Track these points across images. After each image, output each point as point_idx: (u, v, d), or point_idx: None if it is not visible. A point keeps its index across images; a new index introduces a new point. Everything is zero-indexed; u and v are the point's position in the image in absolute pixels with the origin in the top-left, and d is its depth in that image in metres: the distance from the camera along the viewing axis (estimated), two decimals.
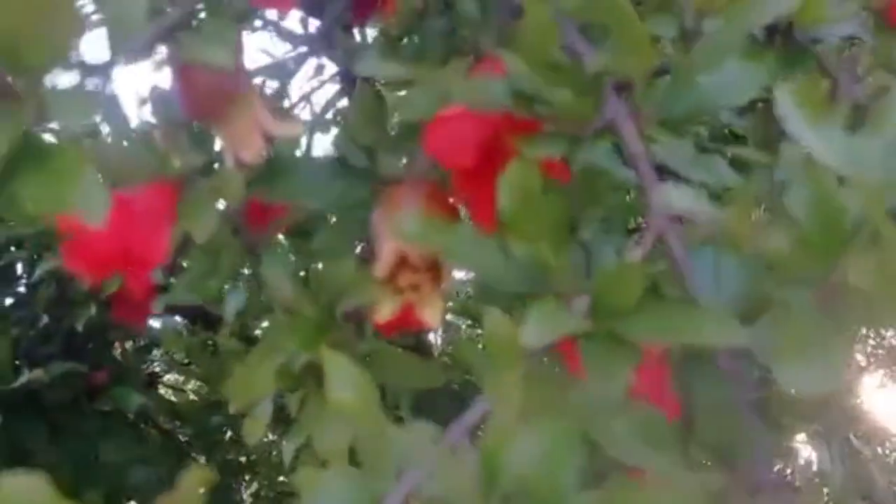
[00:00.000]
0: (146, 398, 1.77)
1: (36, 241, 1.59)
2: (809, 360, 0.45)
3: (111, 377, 1.73)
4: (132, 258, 0.70)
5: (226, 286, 1.02)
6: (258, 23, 1.36)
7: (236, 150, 0.77)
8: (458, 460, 0.52)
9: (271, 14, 1.36)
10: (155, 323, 1.90)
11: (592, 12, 0.77)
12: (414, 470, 0.55)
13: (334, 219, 0.87)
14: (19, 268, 1.72)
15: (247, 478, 2.12)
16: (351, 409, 0.58)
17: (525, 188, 0.60)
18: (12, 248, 1.65)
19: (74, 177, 0.45)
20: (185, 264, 0.99)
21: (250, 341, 1.57)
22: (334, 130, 1.72)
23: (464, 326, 2.70)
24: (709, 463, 0.64)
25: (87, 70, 0.50)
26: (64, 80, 0.47)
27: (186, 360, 2.06)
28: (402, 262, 0.69)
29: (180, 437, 2.00)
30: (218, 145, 0.80)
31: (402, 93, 0.81)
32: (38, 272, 1.45)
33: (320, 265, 0.86)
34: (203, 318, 1.93)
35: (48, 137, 0.46)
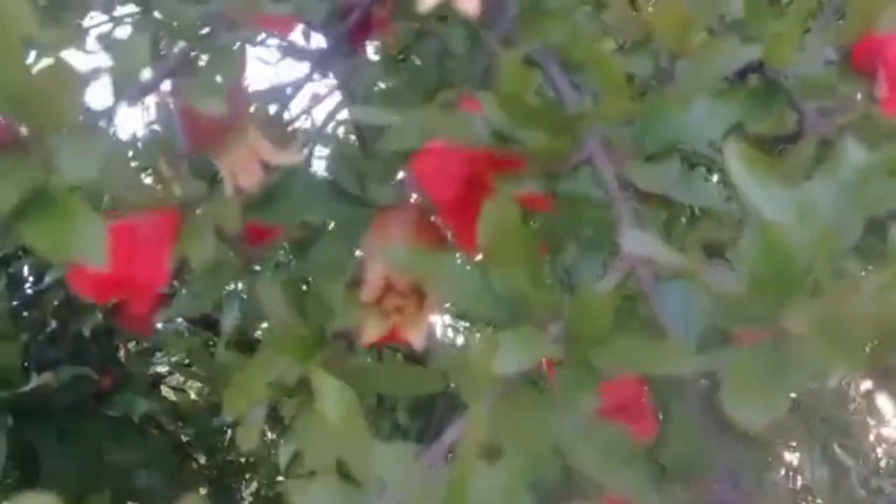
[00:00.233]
0: (150, 401, 1.82)
1: None
2: (753, 394, 0.49)
3: (116, 381, 1.77)
4: (135, 282, 0.74)
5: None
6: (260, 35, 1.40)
7: (235, 179, 0.81)
8: (432, 479, 0.57)
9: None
10: (157, 325, 1.94)
11: (574, 50, 0.82)
12: (395, 488, 0.59)
13: (329, 238, 0.91)
14: (27, 274, 1.77)
15: (246, 477, 2.17)
16: (337, 426, 0.62)
17: (503, 223, 0.64)
18: (20, 255, 1.69)
19: (76, 224, 0.49)
20: (186, 276, 1.03)
21: (251, 345, 1.61)
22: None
23: (461, 329, 2.74)
24: (675, 479, 0.68)
25: (92, 116, 0.54)
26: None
27: (187, 362, 2.10)
28: (388, 286, 0.74)
29: (182, 437, 2.04)
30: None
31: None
32: (47, 279, 1.50)
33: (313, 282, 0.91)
34: (203, 320, 1.97)
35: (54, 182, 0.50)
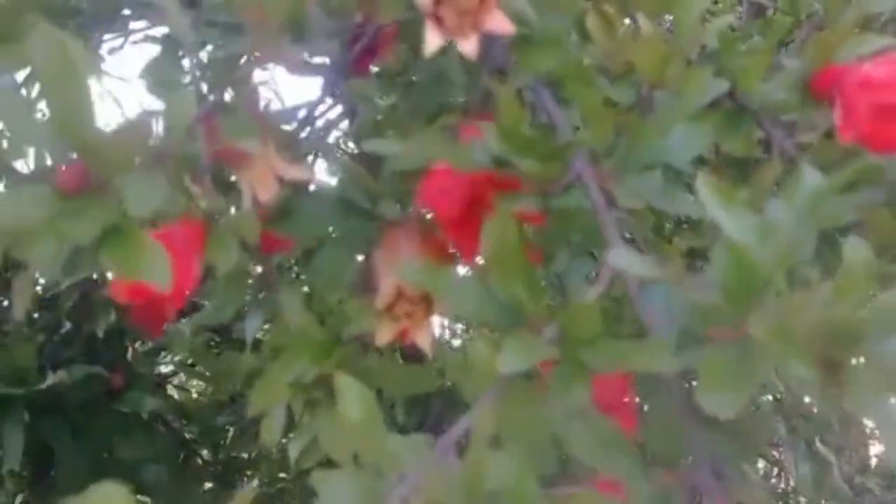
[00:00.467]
0: (156, 399, 1.89)
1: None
2: (721, 388, 0.58)
3: (126, 379, 1.85)
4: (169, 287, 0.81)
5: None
6: None
7: (254, 192, 0.88)
8: (445, 467, 0.65)
9: None
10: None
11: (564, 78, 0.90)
12: (411, 474, 0.67)
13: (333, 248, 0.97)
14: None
15: (248, 473, 2.23)
16: (357, 422, 0.70)
17: (503, 239, 0.72)
18: None
19: (145, 253, 0.57)
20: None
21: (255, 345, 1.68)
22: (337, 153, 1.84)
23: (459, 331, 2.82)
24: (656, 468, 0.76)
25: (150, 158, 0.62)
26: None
27: (191, 362, 2.17)
28: (399, 295, 0.82)
29: (186, 434, 2.11)
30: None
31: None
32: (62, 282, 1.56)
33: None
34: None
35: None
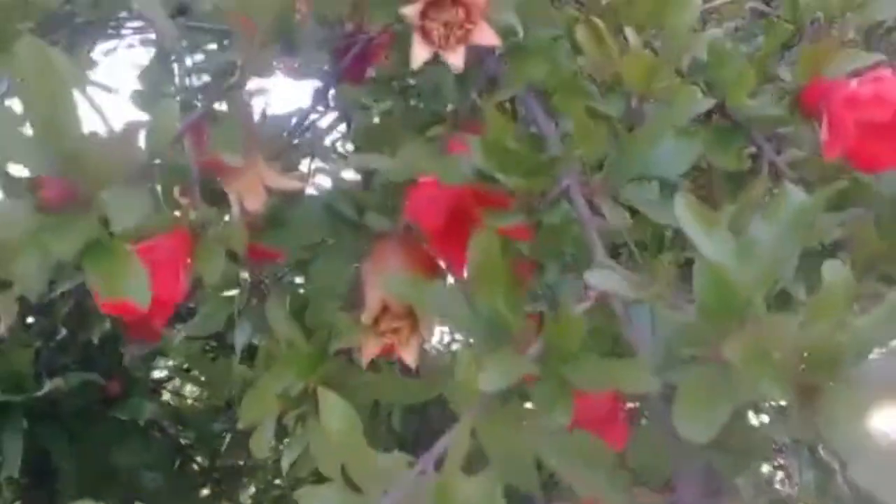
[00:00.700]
0: (153, 405, 1.89)
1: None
2: (695, 413, 0.57)
3: (123, 386, 1.85)
4: (156, 300, 0.81)
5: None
6: None
7: (242, 202, 0.88)
8: (424, 485, 0.65)
9: None
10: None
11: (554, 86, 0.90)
12: (394, 492, 0.67)
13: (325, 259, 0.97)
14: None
15: (244, 480, 2.23)
16: (339, 438, 0.70)
17: (487, 256, 0.72)
18: None
19: (125, 270, 0.57)
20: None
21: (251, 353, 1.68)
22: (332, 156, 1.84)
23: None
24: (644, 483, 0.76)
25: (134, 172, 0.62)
26: None
27: (187, 367, 2.16)
28: (385, 310, 0.82)
29: (182, 440, 2.11)
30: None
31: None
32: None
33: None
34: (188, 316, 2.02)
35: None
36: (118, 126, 0.62)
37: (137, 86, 1.15)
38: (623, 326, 0.74)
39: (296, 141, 1.34)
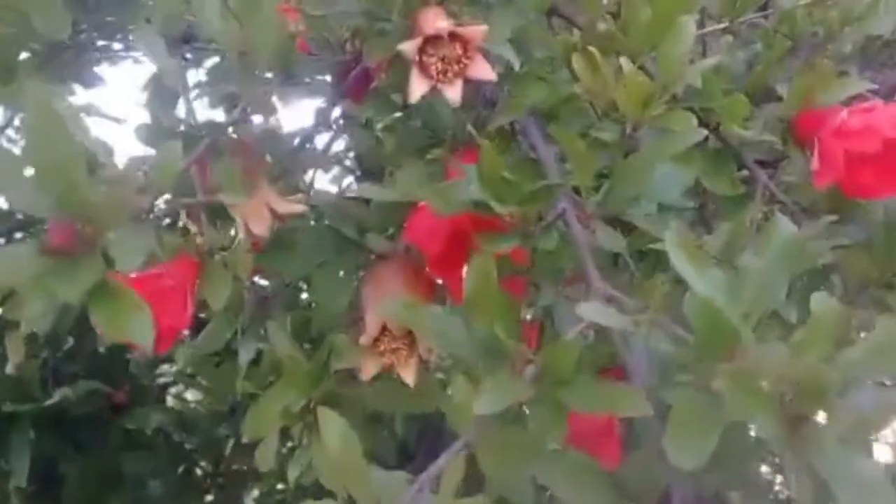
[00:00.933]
0: (160, 413, 1.91)
1: None
2: (686, 440, 0.59)
3: (130, 394, 1.87)
4: (162, 327, 0.83)
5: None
6: None
7: (248, 226, 0.90)
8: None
9: None
10: None
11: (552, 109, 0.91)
12: None
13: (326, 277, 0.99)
14: None
15: (248, 485, 2.25)
16: (338, 458, 0.72)
17: (484, 280, 0.73)
18: None
19: (129, 312, 0.59)
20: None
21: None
22: (335, 169, 1.86)
23: None
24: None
25: (139, 213, 0.64)
26: None
27: (191, 372, 2.17)
28: (384, 331, 0.84)
29: (186, 446, 2.13)
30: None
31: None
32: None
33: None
34: (198, 328, 2.03)
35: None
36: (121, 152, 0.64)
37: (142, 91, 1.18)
38: (620, 349, 0.76)
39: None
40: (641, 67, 0.86)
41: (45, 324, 0.66)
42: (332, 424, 0.73)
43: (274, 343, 0.92)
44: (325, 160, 1.59)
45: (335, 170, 1.82)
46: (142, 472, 1.86)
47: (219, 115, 1.02)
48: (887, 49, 1.38)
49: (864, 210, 0.83)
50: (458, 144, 0.94)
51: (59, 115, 0.56)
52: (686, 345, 0.63)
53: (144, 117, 0.95)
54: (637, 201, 0.85)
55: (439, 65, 0.78)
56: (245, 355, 1.04)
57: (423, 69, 0.78)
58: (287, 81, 0.86)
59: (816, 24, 1.11)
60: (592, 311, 0.66)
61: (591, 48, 0.84)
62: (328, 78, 1.01)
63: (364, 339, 0.83)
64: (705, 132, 0.78)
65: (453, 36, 0.78)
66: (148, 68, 1.45)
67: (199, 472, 2.20)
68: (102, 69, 1.43)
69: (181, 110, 0.93)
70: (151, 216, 0.68)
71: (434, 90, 0.79)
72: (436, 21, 0.79)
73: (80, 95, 1.40)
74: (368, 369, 0.84)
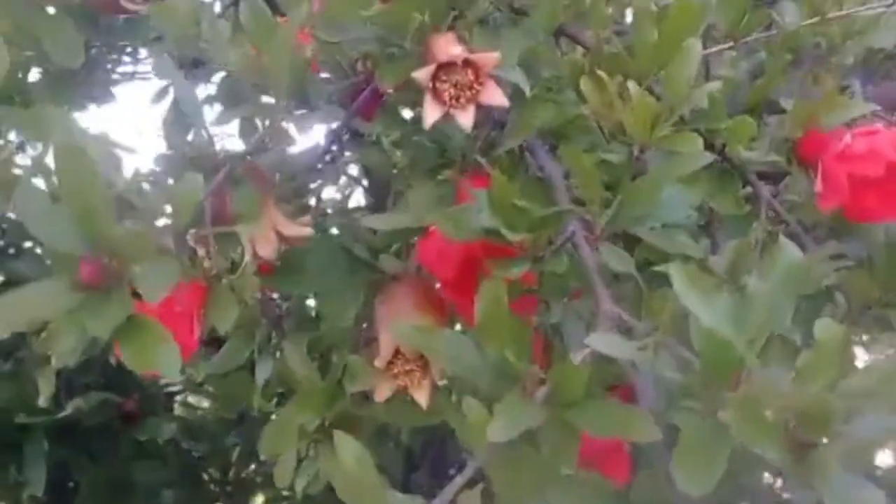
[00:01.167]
0: (170, 422, 1.93)
1: None
2: (693, 467, 0.60)
3: (140, 404, 1.89)
4: None
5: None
6: None
7: (255, 249, 0.91)
8: None
9: None
10: None
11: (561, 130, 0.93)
12: None
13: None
14: None
15: (256, 492, 2.26)
16: (355, 480, 0.74)
17: (495, 304, 0.75)
18: None
19: (157, 346, 0.61)
20: None
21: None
22: (341, 180, 1.87)
23: None
24: None
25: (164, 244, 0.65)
26: None
27: (199, 381, 2.19)
28: (397, 353, 0.85)
29: (194, 453, 2.15)
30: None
31: None
32: None
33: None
34: (217, 342, 2.05)
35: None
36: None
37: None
38: (629, 374, 0.78)
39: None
40: (648, 89, 0.88)
41: (74, 358, 0.68)
42: (349, 448, 0.74)
43: (290, 364, 0.94)
44: (333, 173, 1.61)
45: (342, 180, 1.84)
46: (153, 482, 1.88)
47: (230, 128, 1.03)
48: (889, 62, 1.39)
49: (865, 230, 0.85)
50: (468, 165, 0.95)
51: (87, 155, 0.57)
52: (692, 370, 0.65)
53: (152, 134, 0.97)
54: (644, 221, 0.86)
55: (452, 90, 0.79)
56: (262, 374, 1.05)
57: (436, 95, 0.79)
58: (302, 106, 0.87)
59: (819, 37, 1.12)
60: (600, 342, 0.67)
61: (599, 71, 0.85)
62: (339, 100, 1.02)
63: (378, 363, 0.84)
64: (713, 156, 0.79)
65: (465, 62, 0.79)
66: (155, 84, 1.47)
67: (206, 479, 2.21)
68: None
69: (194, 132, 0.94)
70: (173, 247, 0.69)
71: (447, 116, 0.80)
72: (448, 47, 0.81)
73: (92, 111, 1.43)
74: (382, 392, 0.86)
